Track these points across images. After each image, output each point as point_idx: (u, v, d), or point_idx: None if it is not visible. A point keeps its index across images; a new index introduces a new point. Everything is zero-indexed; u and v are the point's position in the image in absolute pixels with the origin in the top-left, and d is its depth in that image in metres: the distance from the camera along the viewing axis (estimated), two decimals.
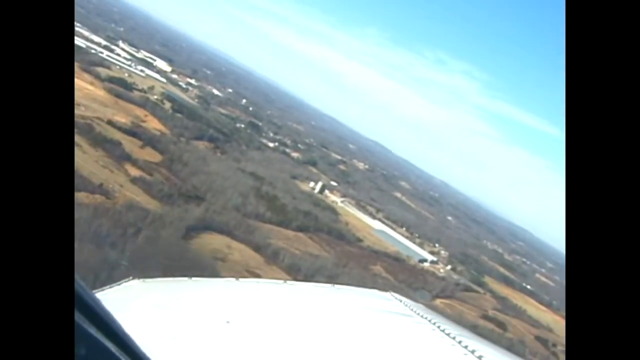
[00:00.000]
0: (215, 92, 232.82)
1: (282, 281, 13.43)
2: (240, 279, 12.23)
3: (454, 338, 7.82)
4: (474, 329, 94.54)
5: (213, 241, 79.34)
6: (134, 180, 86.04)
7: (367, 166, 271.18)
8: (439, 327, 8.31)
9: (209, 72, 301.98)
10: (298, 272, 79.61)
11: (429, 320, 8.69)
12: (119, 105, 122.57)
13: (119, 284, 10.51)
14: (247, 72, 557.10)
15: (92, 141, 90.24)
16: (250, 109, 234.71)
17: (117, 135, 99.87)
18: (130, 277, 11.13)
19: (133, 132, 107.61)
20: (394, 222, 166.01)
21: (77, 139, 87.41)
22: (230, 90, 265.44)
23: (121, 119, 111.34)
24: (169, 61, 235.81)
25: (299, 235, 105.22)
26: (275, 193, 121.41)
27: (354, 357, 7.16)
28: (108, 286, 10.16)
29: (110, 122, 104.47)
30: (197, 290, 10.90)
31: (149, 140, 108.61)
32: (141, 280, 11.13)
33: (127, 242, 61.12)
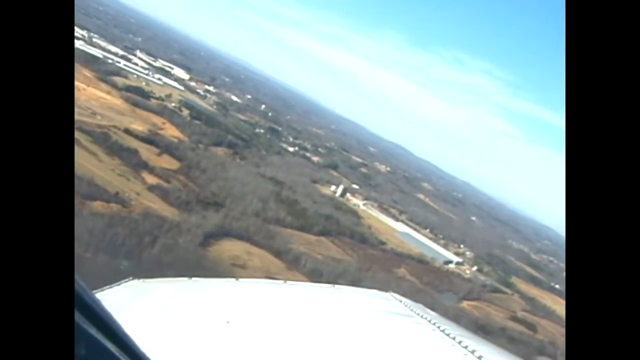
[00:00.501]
0: (234, 98, 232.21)
1: (282, 281, 12.96)
2: (240, 279, 11.78)
3: (454, 338, 7.73)
4: (503, 331, 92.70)
5: (232, 248, 77.93)
6: (151, 188, 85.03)
7: (388, 169, 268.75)
8: (438, 327, 8.23)
9: (227, 79, 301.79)
10: (320, 277, 77.78)
11: (429, 321, 8.59)
12: (136, 113, 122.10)
13: (119, 284, 10.43)
14: (266, 79, 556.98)
15: (108, 150, 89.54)
16: (270, 114, 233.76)
17: (134, 144, 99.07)
18: (130, 277, 11.04)
19: (150, 139, 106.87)
20: (418, 224, 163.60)
21: (93, 147, 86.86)
22: (249, 96, 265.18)
23: (138, 127, 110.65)
24: (187, 69, 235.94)
25: (321, 239, 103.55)
26: (296, 197, 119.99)
27: (353, 358, 7.05)
28: (108, 286, 10.02)
29: (127, 131, 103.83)
30: (197, 290, 10.79)
31: (166, 147, 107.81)
32: (141, 280, 11.06)
33: (142, 251, 59.81)
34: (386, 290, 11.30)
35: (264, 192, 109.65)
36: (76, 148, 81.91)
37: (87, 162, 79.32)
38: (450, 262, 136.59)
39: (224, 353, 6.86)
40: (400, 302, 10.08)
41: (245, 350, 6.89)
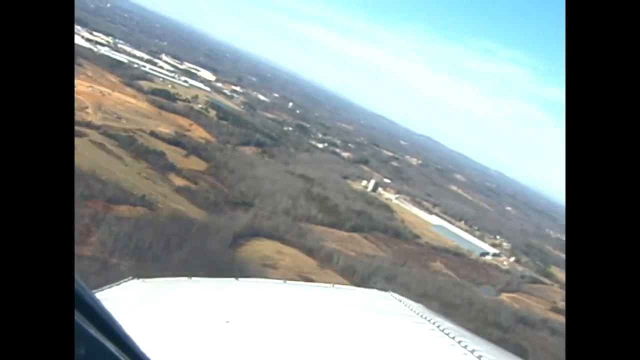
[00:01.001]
0: (261, 97, 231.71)
1: (281, 281, 12.98)
2: (240, 279, 11.82)
3: (453, 338, 7.86)
4: (544, 323, 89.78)
5: (262, 247, 76.47)
6: (179, 190, 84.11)
7: (420, 161, 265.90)
8: (438, 327, 8.40)
9: (254, 79, 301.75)
10: (354, 274, 76.08)
11: (429, 320, 8.77)
12: (162, 116, 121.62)
13: (119, 284, 10.47)
14: (293, 77, 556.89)
15: (134, 153, 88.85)
16: (298, 112, 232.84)
17: (161, 146, 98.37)
18: (130, 277, 11.07)
19: (177, 141, 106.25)
20: (452, 216, 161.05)
21: (119, 151, 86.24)
22: (276, 95, 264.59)
23: (164, 129, 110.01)
24: (213, 71, 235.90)
25: (354, 235, 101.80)
26: (327, 194, 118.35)
27: (353, 357, 7.11)
28: (108, 286, 10.05)
29: (153, 133, 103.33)
30: (197, 290, 10.92)
31: (193, 148, 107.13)
32: (141, 280, 11.14)
33: (170, 254, 58.46)
34: (386, 290, 11.38)
35: (294, 189, 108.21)
36: (102, 152, 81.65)
37: (112, 166, 78.61)
38: (487, 253, 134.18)
39: (224, 353, 6.87)
40: (400, 301, 10.21)
41: (244, 350, 6.91)
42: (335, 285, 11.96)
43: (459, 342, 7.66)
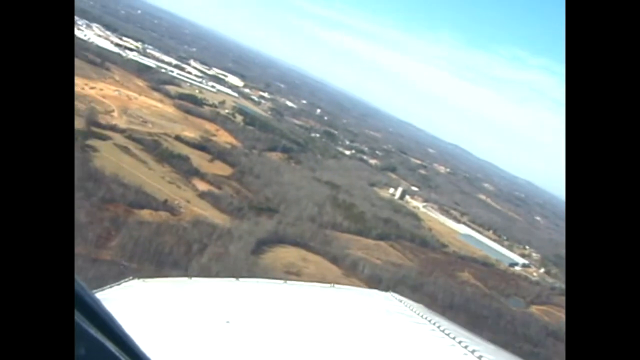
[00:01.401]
0: (289, 104, 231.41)
1: (282, 281, 12.74)
2: (240, 279, 11.57)
3: (453, 338, 7.87)
4: None
5: (286, 254, 75.21)
6: (202, 195, 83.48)
7: (448, 170, 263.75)
8: (438, 327, 8.41)
9: (282, 85, 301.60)
10: (379, 283, 74.30)
11: (429, 320, 8.78)
12: (188, 120, 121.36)
13: (119, 284, 10.36)
14: (321, 84, 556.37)
15: (158, 157, 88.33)
16: (325, 118, 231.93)
17: (185, 150, 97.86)
18: (130, 277, 10.97)
19: (202, 146, 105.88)
20: (480, 225, 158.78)
21: (143, 155, 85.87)
22: (304, 101, 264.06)
23: (190, 133, 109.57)
24: (241, 77, 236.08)
25: (380, 243, 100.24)
26: (353, 201, 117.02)
27: (353, 358, 7.14)
28: (108, 286, 10.00)
29: (178, 138, 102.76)
30: (197, 290, 10.84)
31: (218, 153, 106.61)
32: (141, 280, 11.03)
33: (190, 260, 57.37)
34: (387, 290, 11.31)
35: (320, 196, 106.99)
36: (126, 156, 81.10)
37: (136, 170, 78.00)
38: (516, 264, 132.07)
39: (224, 353, 6.86)
40: (400, 302, 10.14)
41: (245, 350, 6.91)
42: (336, 285, 11.82)
43: (460, 342, 7.73)
